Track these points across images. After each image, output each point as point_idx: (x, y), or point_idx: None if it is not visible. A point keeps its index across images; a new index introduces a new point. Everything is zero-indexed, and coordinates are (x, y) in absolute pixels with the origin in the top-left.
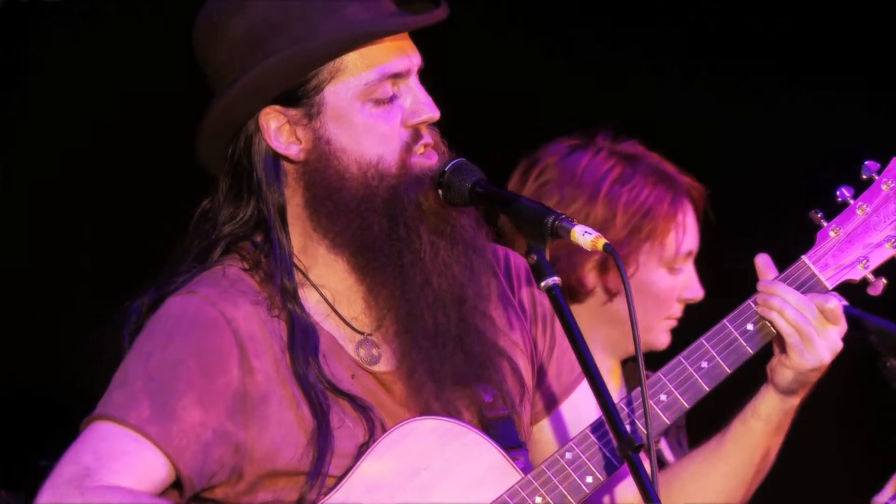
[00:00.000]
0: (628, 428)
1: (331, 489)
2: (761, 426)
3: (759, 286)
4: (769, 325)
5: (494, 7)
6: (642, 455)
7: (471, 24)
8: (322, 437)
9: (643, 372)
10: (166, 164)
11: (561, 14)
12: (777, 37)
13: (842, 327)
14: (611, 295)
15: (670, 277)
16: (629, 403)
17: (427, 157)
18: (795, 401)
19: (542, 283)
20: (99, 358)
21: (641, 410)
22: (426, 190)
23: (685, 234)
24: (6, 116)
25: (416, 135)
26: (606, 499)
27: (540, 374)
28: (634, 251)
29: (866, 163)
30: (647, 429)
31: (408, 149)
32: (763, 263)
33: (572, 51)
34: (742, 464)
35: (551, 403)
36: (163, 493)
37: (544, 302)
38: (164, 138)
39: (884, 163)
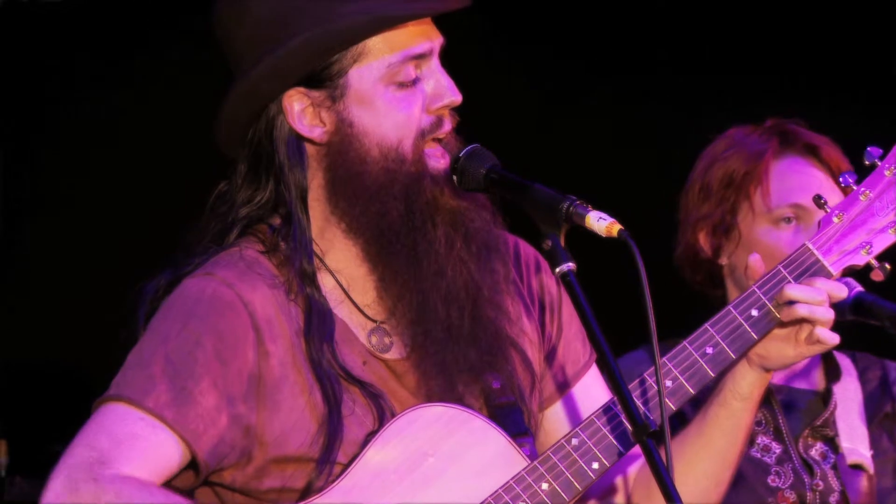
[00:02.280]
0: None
1: (338, 476)
2: (744, 405)
3: (779, 298)
4: (774, 311)
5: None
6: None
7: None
8: (332, 425)
9: (658, 359)
10: (180, 157)
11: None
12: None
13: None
14: (720, 254)
15: (776, 231)
16: (636, 389)
17: (442, 158)
18: (771, 373)
19: (557, 270)
20: (114, 342)
21: (648, 396)
22: (442, 186)
23: (771, 181)
24: (8, 115)
25: (437, 122)
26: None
27: (547, 361)
28: (730, 216)
29: (869, 149)
30: (662, 414)
31: (423, 134)
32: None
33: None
34: (728, 446)
35: (558, 391)
36: (177, 476)
37: (552, 290)
38: (175, 127)
39: (886, 149)
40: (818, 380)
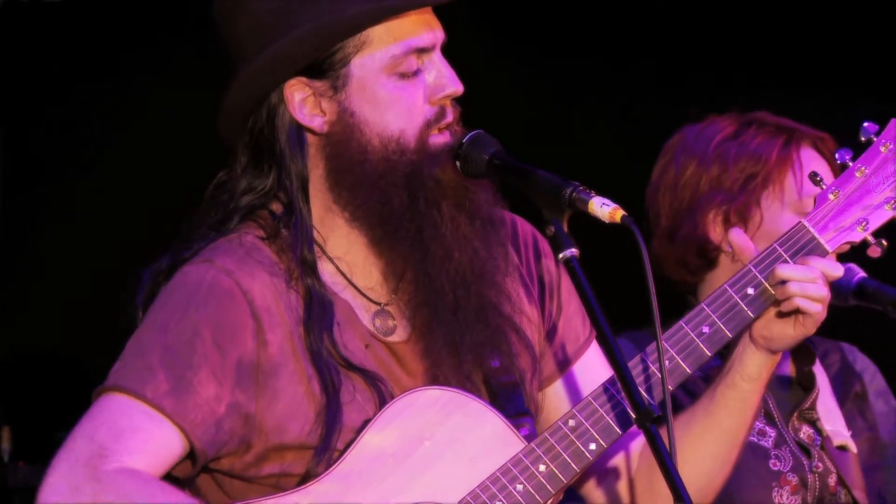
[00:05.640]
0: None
1: (336, 462)
2: (752, 386)
3: (771, 278)
4: (770, 289)
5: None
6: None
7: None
8: (331, 413)
9: (660, 341)
10: (181, 152)
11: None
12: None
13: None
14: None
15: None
16: (633, 370)
17: (443, 136)
18: (780, 354)
19: (560, 255)
20: (117, 329)
21: (645, 375)
22: (444, 164)
23: (804, 171)
24: (8, 114)
25: (440, 112)
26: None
27: (547, 339)
28: (753, 201)
29: (864, 125)
30: (665, 400)
31: (428, 125)
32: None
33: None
34: (737, 426)
35: (558, 369)
36: (175, 466)
37: (550, 268)
38: (175, 124)
39: (882, 125)
40: (790, 365)
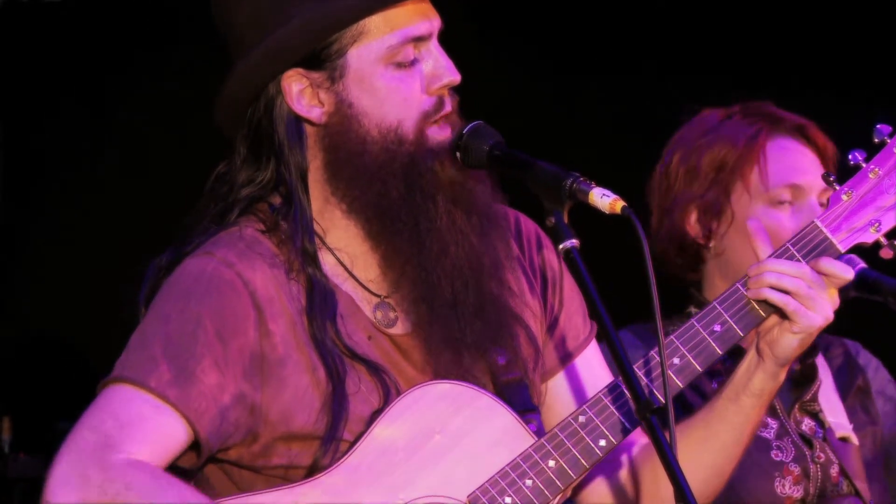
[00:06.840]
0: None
1: (344, 454)
2: (754, 402)
3: (749, 271)
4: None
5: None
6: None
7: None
8: (337, 403)
9: (661, 335)
10: (181, 147)
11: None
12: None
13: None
14: (710, 236)
15: (774, 212)
16: (642, 367)
17: (442, 130)
18: (785, 371)
19: (560, 246)
20: (118, 319)
21: (654, 374)
22: (442, 159)
23: (768, 162)
24: (8, 115)
25: (438, 103)
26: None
27: (549, 335)
28: (723, 197)
29: (878, 126)
30: (665, 392)
31: (427, 117)
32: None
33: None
34: (734, 440)
35: (559, 364)
36: (180, 456)
37: (553, 264)
38: (175, 122)
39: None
40: None
